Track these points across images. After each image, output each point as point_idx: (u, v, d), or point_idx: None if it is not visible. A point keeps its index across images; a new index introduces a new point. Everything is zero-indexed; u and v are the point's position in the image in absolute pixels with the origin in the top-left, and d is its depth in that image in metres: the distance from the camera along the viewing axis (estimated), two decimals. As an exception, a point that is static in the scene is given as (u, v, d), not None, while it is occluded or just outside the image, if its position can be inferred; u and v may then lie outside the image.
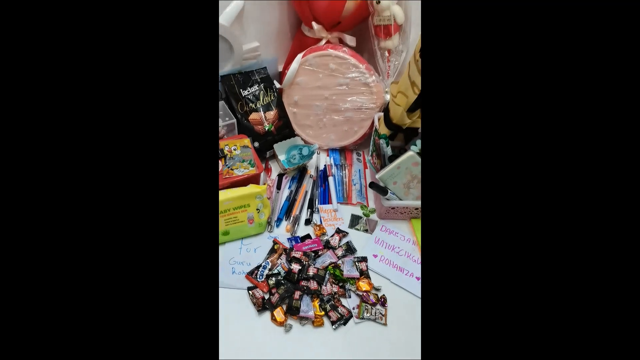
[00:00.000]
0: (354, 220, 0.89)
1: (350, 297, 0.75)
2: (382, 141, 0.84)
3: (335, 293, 0.74)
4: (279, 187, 0.94)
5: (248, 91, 0.95)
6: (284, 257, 0.79)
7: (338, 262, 0.79)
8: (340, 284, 0.76)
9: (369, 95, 0.93)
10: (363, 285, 0.76)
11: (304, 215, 0.89)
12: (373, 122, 0.95)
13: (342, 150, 1.04)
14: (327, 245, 0.82)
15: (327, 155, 1.03)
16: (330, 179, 0.96)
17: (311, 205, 0.91)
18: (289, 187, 0.95)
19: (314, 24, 0.91)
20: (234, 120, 0.92)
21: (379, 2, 0.83)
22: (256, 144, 0.94)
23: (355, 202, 0.93)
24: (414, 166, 0.79)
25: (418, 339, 0.69)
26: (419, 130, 0.85)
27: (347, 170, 1.00)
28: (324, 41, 0.95)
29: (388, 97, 0.93)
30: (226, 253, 0.80)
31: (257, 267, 0.77)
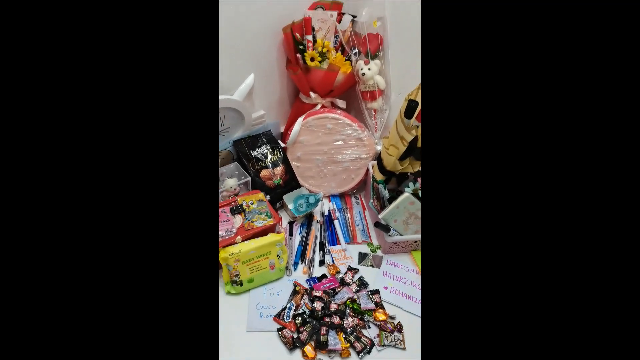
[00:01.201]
0: (362, 257, 1.00)
1: (369, 327, 0.83)
2: (380, 186, 0.98)
3: (356, 325, 0.83)
4: (290, 234, 1.04)
5: (257, 151, 1.08)
6: (306, 297, 0.88)
7: (354, 297, 0.88)
8: (360, 316, 0.85)
9: (362, 148, 1.09)
10: (380, 315, 0.85)
11: (317, 257, 0.99)
12: (367, 170, 1.10)
13: (342, 196, 1.17)
14: (343, 282, 0.92)
15: (329, 201, 1.16)
16: (336, 222, 1.08)
17: (322, 247, 1.01)
18: (300, 232, 1.05)
19: (311, 93, 1.09)
20: (249, 178, 1.04)
21: (364, 74, 1.02)
22: (268, 197, 1.06)
23: (360, 240, 1.04)
24: (410, 205, 0.93)
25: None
26: (409, 174, 1.01)
27: (348, 213, 1.12)
28: (319, 106, 1.12)
29: (379, 147, 1.09)
30: (252, 299, 0.87)
31: (283, 309, 0.84)
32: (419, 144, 0.94)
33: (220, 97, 0.95)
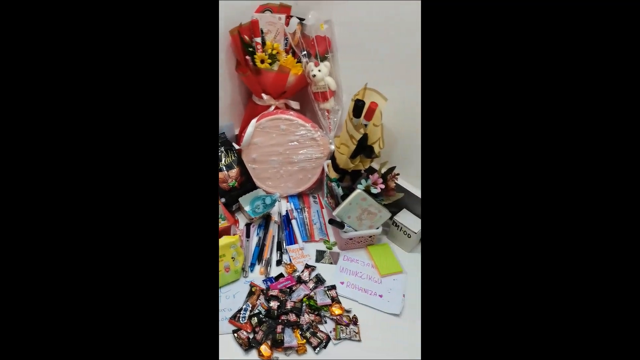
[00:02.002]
0: (319, 255, 1.01)
1: (326, 322, 0.85)
2: (333, 184, 1.01)
3: (312, 321, 0.84)
4: (248, 236, 1.04)
5: (211, 154, 1.07)
6: (262, 297, 0.88)
7: (311, 294, 0.89)
8: (316, 312, 0.86)
9: (317, 147, 1.11)
10: (336, 310, 0.87)
11: (275, 257, 0.99)
12: (323, 169, 1.12)
13: (300, 196, 1.19)
14: (300, 280, 0.93)
15: (287, 201, 1.16)
16: (293, 221, 1.09)
17: (280, 247, 1.02)
18: (257, 234, 1.05)
19: (263, 94, 1.09)
20: (202, 181, 1.02)
21: (315, 75, 1.05)
22: (223, 200, 1.05)
23: (318, 238, 1.05)
24: (362, 201, 0.96)
25: (391, 347, 0.81)
26: (362, 171, 1.04)
27: (306, 213, 1.14)
28: (272, 107, 1.13)
29: (333, 147, 1.11)
30: (207, 303, 0.86)
31: (239, 311, 0.84)
32: (369, 142, 0.97)
33: (168, 100, 0.93)
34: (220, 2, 0.95)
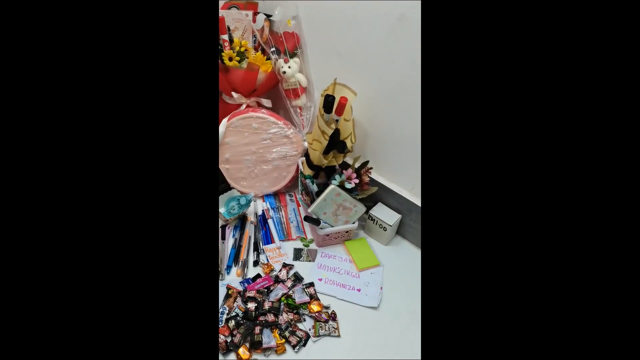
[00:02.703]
0: (297, 253, 1.00)
1: (305, 320, 0.84)
2: (308, 181, 1.00)
3: (291, 320, 0.83)
4: (223, 238, 1.02)
5: (181, 156, 1.04)
6: (239, 299, 0.86)
7: (289, 292, 0.89)
8: (295, 311, 0.85)
9: (290, 145, 1.10)
10: (314, 307, 0.86)
11: (252, 258, 0.98)
12: (298, 166, 1.11)
13: (276, 194, 1.17)
14: (277, 280, 0.92)
15: (263, 201, 1.15)
16: (270, 221, 1.08)
17: (256, 248, 1.00)
18: (233, 235, 1.03)
19: (233, 93, 1.07)
20: (172, 184, 0.99)
21: (285, 72, 1.03)
22: (196, 202, 1.02)
23: (295, 237, 1.05)
24: (337, 196, 0.95)
25: (369, 340, 0.81)
26: (336, 167, 1.04)
27: (283, 211, 1.13)
28: (244, 106, 1.11)
29: (306, 144, 1.11)
30: (182, 309, 0.84)
31: (216, 314, 0.82)
32: (341, 137, 0.97)
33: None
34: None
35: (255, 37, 1.06)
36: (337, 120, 0.95)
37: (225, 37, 1.01)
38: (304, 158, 1.09)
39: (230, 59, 1.02)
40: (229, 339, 0.78)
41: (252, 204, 1.09)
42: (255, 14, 1.04)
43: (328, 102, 0.92)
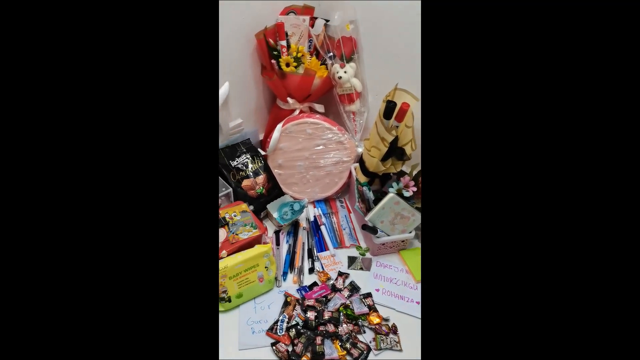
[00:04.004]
0: (351, 261, 0.99)
1: (365, 332, 0.82)
2: (364, 188, 0.98)
3: (351, 331, 0.81)
4: (277, 243, 1.02)
5: (237, 161, 1.05)
6: (298, 307, 0.85)
7: (347, 302, 0.87)
8: (354, 322, 0.84)
9: (344, 151, 1.08)
10: (374, 318, 0.84)
11: (307, 265, 0.97)
12: (350, 173, 1.10)
13: (327, 200, 1.16)
14: (334, 289, 0.90)
15: (314, 207, 1.14)
16: (322, 227, 1.07)
17: (311, 255, 0.99)
18: (287, 241, 1.03)
19: (288, 98, 1.07)
20: (230, 189, 1.00)
21: (341, 77, 1.02)
22: (251, 207, 1.03)
23: (348, 244, 1.03)
24: (396, 205, 0.93)
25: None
26: (392, 174, 1.01)
27: (334, 217, 1.11)
28: (297, 111, 1.10)
29: (360, 150, 1.09)
30: (242, 315, 0.84)
31: (275, 322, 0.82)
32: (401, 144, 0.94)
33: (195, 107, 0.92)
34: (244, 3, 0.93)
35: (311, 42, 1.05)
36: (397, 127, 0.93)
37: (284, 42, 1.01)
38: (357, 164, 1.07)
39: (288, 65, 1.02)
40: (290, 348, 0.77)
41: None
42: (312, 18, 1.03)
43: (389, 108, 0.89)
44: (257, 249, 0.87)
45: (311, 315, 0.83)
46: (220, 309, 0.84)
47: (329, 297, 0.88)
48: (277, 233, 1.04)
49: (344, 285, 0.91)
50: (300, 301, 0.87)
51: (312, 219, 1.10)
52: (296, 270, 0.95)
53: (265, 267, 0.88)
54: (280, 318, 0.82)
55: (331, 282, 0.92)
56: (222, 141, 1.06)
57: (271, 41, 1.00)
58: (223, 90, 0.98)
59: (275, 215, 1.05)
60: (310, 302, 0.85)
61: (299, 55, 1.02)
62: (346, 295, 0.89)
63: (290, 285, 0.92)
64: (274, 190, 1.08)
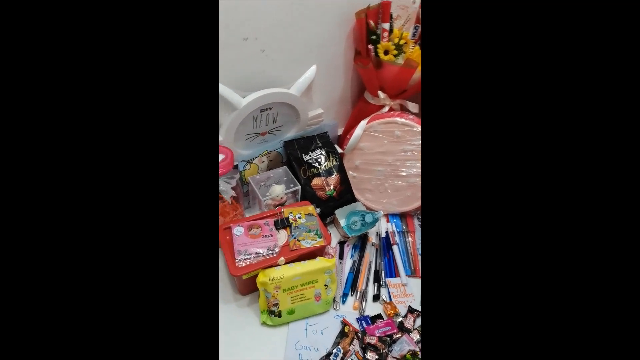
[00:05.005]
0: (426, 297, 0.81)
1: (436, 395, 0.65)
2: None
3: (419, 390, 0.65)
4: (340, 257, 0.89)
5: (310, 156, 0.93)
6: (356, 342, 0.71)
7: (417, 350, 0.70)
8: (424, 379, 0.67)
9: (436, 162, 0.90)
10: (449, 380, 0.66)
11: (371, 290, 0.82)
12: (439, 189, 0.91)
13: (403, 216, 0.99)
14: (402, 328, 0.74)
15: (387, 221, 0.98)
16: (395, 247, 0.90)
17: (377, 278, 0.84)
18: (351, 256, 0.89)
19: (380, 92, 0.92)
20: (299, 186, 0.89)
21: (450, 73, 0.83)
22: (319, 210, 0.91)
23: (424, 275, 0.85)
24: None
25: None
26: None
27: (410, 237, 0.94)
28: (387, 108, 0.95)
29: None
30: (291, 335, 0.73)
31: (328, 355, 0.69)
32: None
33: (275, 89, 0.82)
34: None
35: (417, 29, 0.88)
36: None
37: (386, 25, 0.85)
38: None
39: (386, 52, 0.86)
40: (341, 392, 0.64)
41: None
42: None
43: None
44: (320, 262, 0.74)
45: (371, 357, 0.68)
46: (269, 322, 0.74)
47: (394, 337, 0.72)
48: (341, 244, 0.91)
49: (414, 326, 0.75)
50: (359, 335, 0.72)
51: (383, 234, 0.94)
52: (359, 294, 0.81)
53: (325, 285, 0.75)
54: (334, 351, 0.69)
55: (399, 319, 0.76)
56: (298, 131, 0.95)
57: (372, 23, 0.85)
58: (309, 73, 0.86)
59: (342, 222, 0.92)
60: (372, 340, 0.70)
61: (402, 42, 0.86)
62: (416, 340, 0.72)
63: (349, 310, 0.78)
64: (345, 194, 0.95)
